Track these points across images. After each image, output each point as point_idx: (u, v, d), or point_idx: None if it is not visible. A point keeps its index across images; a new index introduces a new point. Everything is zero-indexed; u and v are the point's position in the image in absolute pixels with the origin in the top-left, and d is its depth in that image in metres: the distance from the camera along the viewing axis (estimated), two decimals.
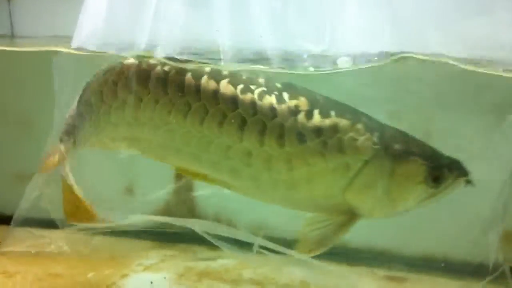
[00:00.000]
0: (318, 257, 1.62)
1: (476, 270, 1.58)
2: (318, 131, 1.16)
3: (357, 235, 1.64)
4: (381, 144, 1.17)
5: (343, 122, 1.17)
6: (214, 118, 1.17)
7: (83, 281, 1.51)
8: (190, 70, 1.20)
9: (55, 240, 1.67)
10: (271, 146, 1.16)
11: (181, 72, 1.20)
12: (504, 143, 1.38)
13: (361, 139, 1.17)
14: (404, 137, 1.21)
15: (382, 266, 1.63)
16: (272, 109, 1.16)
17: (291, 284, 1.51)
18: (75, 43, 1.28)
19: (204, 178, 1.24)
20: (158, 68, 1.22)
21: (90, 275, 1.55)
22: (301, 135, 1.15)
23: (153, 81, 1.21)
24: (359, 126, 1.17)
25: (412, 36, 1.23)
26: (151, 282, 1.49)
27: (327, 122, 1.17)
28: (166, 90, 1.20)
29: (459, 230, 1.57)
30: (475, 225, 1.54)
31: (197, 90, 1.18)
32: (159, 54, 1.21)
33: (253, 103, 1.16)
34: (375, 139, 1.17)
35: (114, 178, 1.80)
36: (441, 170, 1.18)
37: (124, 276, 1.54)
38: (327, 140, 1.16)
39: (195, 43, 1.25)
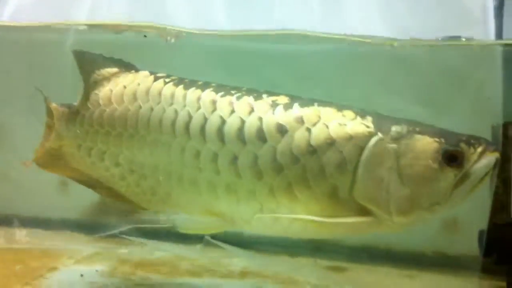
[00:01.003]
0: (259, 248, 1.60)
1: (417, 260, 1.58)
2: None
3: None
4: (376, 127, 1.03)
5: (326, 110, 1.05)
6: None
7: (9, 273, 1.43)
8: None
9: None
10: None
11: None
12: None
13: (351, 123, 1.04)
14: (403, 120, 1.06)
15: (325, 257, 1.59)
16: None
17: (230, 275, 1.46)
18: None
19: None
20: None
21: (17, 267, 1.47)
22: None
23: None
24: (345, 111, 1.05)
25: None
26: (82, 275, 1.42)
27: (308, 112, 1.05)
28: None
29: None
30: None
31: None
32: None
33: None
34: (366, 122, 1.03)
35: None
36: (458, 145, 1.00)
37: (53, 269, 1.47)
38: (312, 136, 1.03)
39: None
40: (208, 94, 1.12)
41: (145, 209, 1.19)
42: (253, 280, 1.43)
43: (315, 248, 1.61)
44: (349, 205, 1.03)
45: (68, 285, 1.37)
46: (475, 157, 1.00)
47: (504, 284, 1.37)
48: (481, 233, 1.38)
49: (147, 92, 1.17)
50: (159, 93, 1.16)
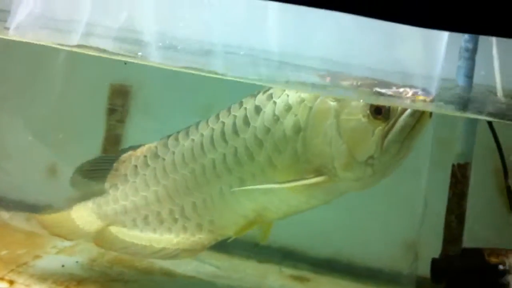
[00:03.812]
0: (228, 252, 1.71)
1: (376, 275, 1.69)
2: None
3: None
4: None
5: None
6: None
7: None
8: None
9: None
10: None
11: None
12: None
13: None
14: None
15: (290, 265, 1.70)
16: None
17: (199, 277, 1.56)
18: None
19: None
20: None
21: (3, 253, 1.56)
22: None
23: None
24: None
25: None
26: (63, 265, 1.52)
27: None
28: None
29: (364, 235, 1.67)
30: (380, 232, 1.65)
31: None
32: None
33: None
34: None
35: (35, 158, 1.81)
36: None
37: (37, 257, 1.56)
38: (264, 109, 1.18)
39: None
40: (214, 114, 1.30)
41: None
42: (221, 284, 1.54)
43: (282, 256, 1.73)
44: (308, 165, 1.17)
45: (50, 275, 1.46)
46: (400, 110, 1.09)
47: None
48: (433, 260, 1.49)
49: (166, 145, 1.35)
50: (177, 139, 1.34)
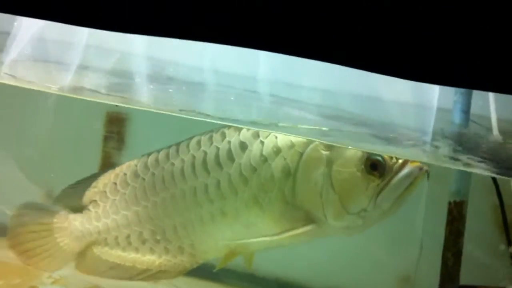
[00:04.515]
0: (225, 283, 1.70)
1: None
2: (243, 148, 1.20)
3: (265, 265, 1.72)
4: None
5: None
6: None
7: None
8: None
9: None
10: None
11: None
12: None
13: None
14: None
15: None
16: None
17: None
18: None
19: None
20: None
21: None
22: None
23: None
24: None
25: None
26: None
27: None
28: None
29: (360, 271, 1.66)
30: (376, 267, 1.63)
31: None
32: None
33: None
34: None
35: (31, 182, 1.80)
36: (379, 156, 1.12)
37: (32, 287, 1.56)
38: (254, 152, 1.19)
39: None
40: (194, 140, 1.30)
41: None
42: None
43: (279, 287, 1.72)
44: (294, 209, 1.18)
45: None
46: (397, 167, 1.12)
47: None
48: None
49: (146, 165, 1.33)
50: (157, 160, 1.33)
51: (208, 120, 1.11)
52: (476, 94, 1.37)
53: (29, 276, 1.63)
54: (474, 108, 1.38)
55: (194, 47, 1.06)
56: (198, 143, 1.28)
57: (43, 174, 1.80)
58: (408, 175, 1.11)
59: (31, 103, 1.67)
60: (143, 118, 1.78)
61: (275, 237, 1.20)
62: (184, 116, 1.11)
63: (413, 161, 1.12)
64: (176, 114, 1.13)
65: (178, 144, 1.32)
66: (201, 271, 1.69)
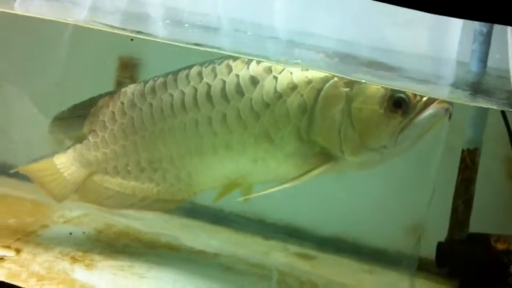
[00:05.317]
0: (234, 228, 1.71)
1: (380, 256, 1.69)
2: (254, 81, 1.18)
3: (274, 211, 1.73)
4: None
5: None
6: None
7: (4, 226, 1.53)
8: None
9: None
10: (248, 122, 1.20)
11: None
12: None
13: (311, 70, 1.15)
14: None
15: (296, 243, 1.71)
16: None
17: (205, 252, 1.57)
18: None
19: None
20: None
21: (11, 221, 1.57)
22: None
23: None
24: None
25: None
26: (70, 233, 1.54)
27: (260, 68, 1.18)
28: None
29: (371, 216, 1.67)
30: (386, 213, 1.64)
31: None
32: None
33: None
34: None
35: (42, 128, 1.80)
36: (404, 93, 1.10)
37: (44, 226, 1.58)
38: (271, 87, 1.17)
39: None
40: (194, 71, 1.26)
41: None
42: (226, 259, 1.55)
43: (288, 233, 1.74)
44: (310, 145, 1.17)
45: (56, 245, 1.47)
46: (420, 105, 1.09)
47: None
48: (439, 244, 1.49)
49: (143, 94, 1.30)
50: (153, 90, 1.30)
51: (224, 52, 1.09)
52: (494, 45, 1.37)
53: (41, 215, 1.65)
54: (492, 61, 1.37)
55: None
56: (200, 74, 1.25)
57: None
58: (431, 115, 1.10)
59: (44, 50, 1.66)
60: (155, 62, 1.77)
61: (296, 181, 1.18)
62: (200, 48, 1.10)
63: (436, 100, 1.10)
64: (191, 46, 1.12)
65: (175, 74, 1.29)
66: (211, 216, 1.72)
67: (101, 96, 1.40)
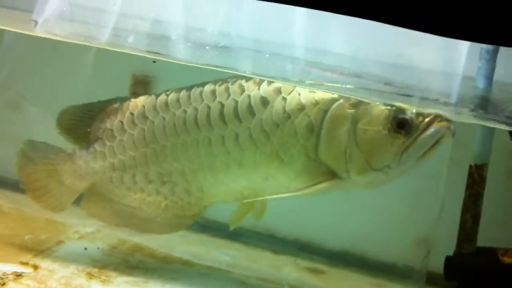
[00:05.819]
0: (245, 242, 1.74)
1: (388, 270, 1.72)
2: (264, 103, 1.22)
3: (285, 226, 1.76)
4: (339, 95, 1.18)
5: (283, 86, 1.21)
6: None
7: (20, 243, 1.56)
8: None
9: None
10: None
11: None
12: None
13: (318, 92, 1.19)
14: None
15: (305, 258, 1.74)
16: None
17: (216, 266, 1.59)
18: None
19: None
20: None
21: (27, 237, 1.60)
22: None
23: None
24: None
25: None
26: (85, 248, 1.56)
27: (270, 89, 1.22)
28: None
29: (379, 230, 1.69)
30: (395, 228, 1.67)
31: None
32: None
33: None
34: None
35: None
36: (406, 114, 1.14)
37: (60, 242, 1.60)
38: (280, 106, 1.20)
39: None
40: (208, 89, 1.30)
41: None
42: (238, 274, 1.57)
43: (298, 248, 1.77)
44: (317, 164, 1.21)
45: (72, 261, 1.49)
46: (423, 125, 1.13)
47: None
48: (447, 258, 1.52)
49: (155, 107, 1.34)
50: (166, 104, 1.33)
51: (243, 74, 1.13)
52: (500, 61, 1.40)
53: (55, 231, 1.67)
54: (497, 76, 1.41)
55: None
56: (213, 93, 1.28)
57: None
58: (434, 134, 1.13)
59: (65, 69, 1.69)
60: (167, 80, 1.81)
61: (299, 192, 1.23)
62: (220, 70, 1.13)
63: (438, 118, 1.13)
64: (212, 68, 1.15)
65: (189, 90, 1.32)
66: (221, 231, 1.75)
67: (110, 101, 1.42)
